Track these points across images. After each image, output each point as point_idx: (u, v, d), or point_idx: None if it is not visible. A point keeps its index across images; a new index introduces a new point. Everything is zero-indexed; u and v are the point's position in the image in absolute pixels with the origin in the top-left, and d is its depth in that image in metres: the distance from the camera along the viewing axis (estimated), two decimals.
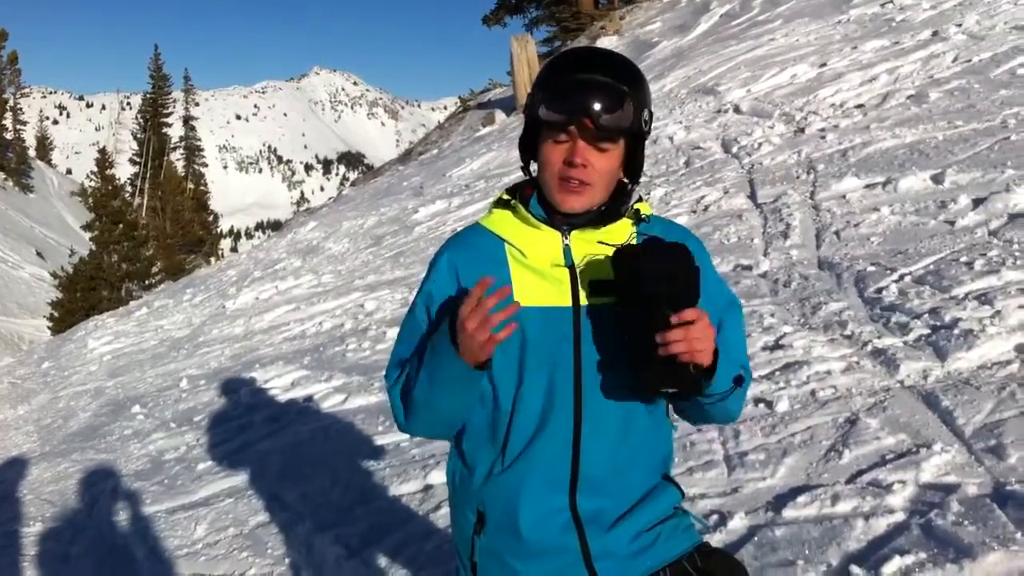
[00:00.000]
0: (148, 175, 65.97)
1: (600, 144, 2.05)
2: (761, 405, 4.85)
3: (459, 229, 2.44)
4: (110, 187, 44.27)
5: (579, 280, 2.12)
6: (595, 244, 2.13)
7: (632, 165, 2.15)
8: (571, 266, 2.12)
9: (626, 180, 2.18)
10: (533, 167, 2.19)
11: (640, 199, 2.22)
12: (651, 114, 2.11)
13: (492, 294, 1.92)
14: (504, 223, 2.20)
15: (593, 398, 2.09)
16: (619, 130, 2.04)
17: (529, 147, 2.19)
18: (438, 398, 2.13)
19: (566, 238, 2.13)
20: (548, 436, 2.11)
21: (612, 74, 2.04)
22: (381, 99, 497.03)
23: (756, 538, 3.74)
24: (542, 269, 2.14)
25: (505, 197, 2.24)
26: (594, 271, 2.12)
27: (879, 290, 5.90)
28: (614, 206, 2.16)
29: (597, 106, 2.00)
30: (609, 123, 2.01)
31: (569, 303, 2.11)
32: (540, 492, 2.11)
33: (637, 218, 2.19)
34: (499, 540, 2.18)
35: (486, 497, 2.18)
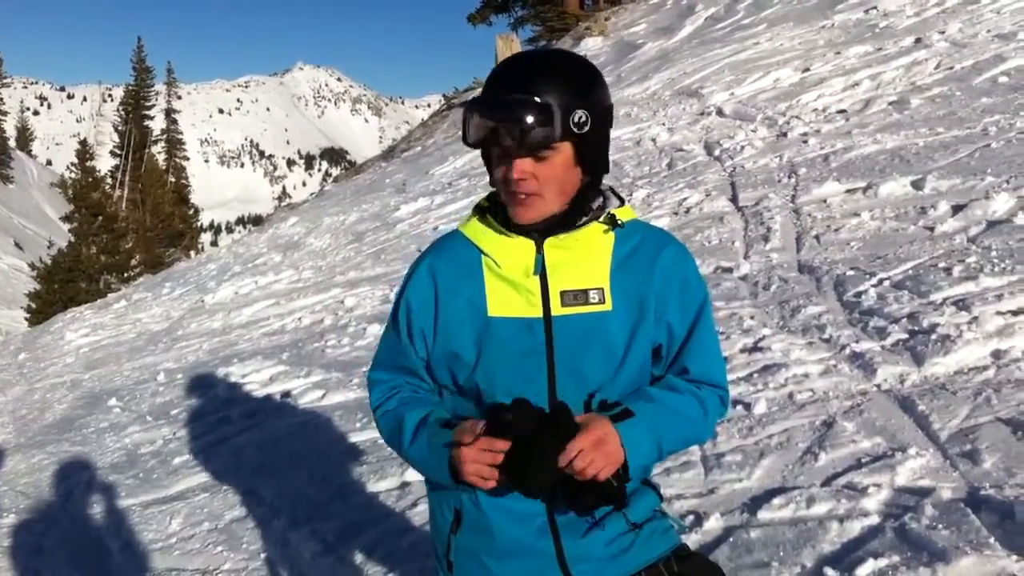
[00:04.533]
0: (129, 168, 65.53)
1: (536, 154, 2.01)
2: (739, 407, 4.86)
3: (442, 228, 2.41)
4: (90, 179, 44.07)
5: (550, 289, 2.09)
6: (569, 252, 2.10)
7: (585, 161, 2.10)
8: (543, 275, 2.09)
9: (586, 177, 2.13)
10: None
11: (622, 203, 2.18)
12: (593, 111, 2.04)
13: (499, 446, 1.96)
14: (479, 231, 2.18)
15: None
16: (546, 142, 1.99)
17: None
18: (418, 470, 2.28)
19: (540, 246, 2.10)
20: None
21: (531, 87, 1.99)
22: (365, 95, 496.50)
23: (731, 539, 3.75)
24: (514, 279, 2.10)
25: (484, 204, 2.21)
26: (567, 280, 2.09)
27: (858, 294, 5.92)
28: (576, 207, 2.11)
29: (518, 125, 1.95)
30: (535, 139, 1.97)
31: (540, 313, 2.08)
32: (517, 496, 2.08)
33: (612, 223, 2.13)
34: (475, 539, 2.17)
35: (464, 496, 2.17)
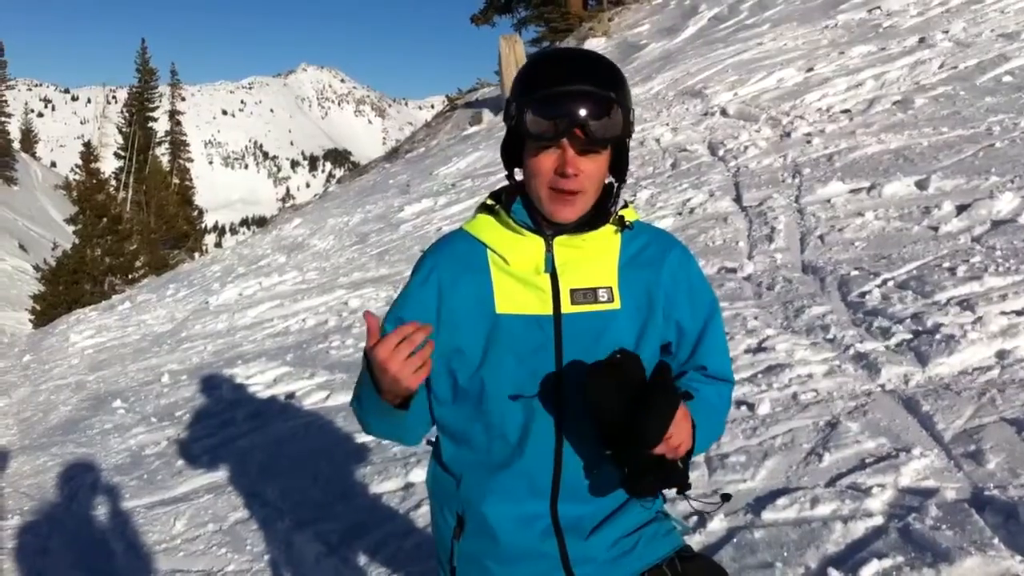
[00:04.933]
0: (133, 169, 65.52)
1: (592, 150, 2.00)
2: (743, 407, 4.86)
3: (445, 229, 2.42)
4: (94, 181, 44.00)
5: (560, 287, 2.08)
6: (578, 250, 2.10)
7: (619, 164, 2.12)
8: (552, 273, 2.09)
9: (613, 180, 2.15)
10: (518, 173, 2.15)
11: (626, 204, 2.19)
12: (633, 112, 2.08)
13: (415, 332, 1.89)
14: (487, 228, 2.17)
15: (575, 405, 2.04)
16: (612, 138, 2.01)
17: (512, 153, 2.14)
18: (377, 427, 2.20)
19: (549, 244, 2.10)
20: (531, 444, 2.09)
21: (597, 81, 2.00)
22: (368, 96, 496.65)
23: (735, 540, 3.75)
24: (524, 276, 2.10)
25: (489, 202, 2.20)
26: (576, 278, 2.09)
27: (862, 294, 5.92)
28: (602, 208, 2.12)
29: (587, 116, 1.95)
30: (601, 132, 1.97)
31: (550, 311, 2.08)
32: (521, 499, 2.10)
33: (621, 224, 2.15)
34: (478, 544, 2.16)
35: (466, 502, 2.17)
